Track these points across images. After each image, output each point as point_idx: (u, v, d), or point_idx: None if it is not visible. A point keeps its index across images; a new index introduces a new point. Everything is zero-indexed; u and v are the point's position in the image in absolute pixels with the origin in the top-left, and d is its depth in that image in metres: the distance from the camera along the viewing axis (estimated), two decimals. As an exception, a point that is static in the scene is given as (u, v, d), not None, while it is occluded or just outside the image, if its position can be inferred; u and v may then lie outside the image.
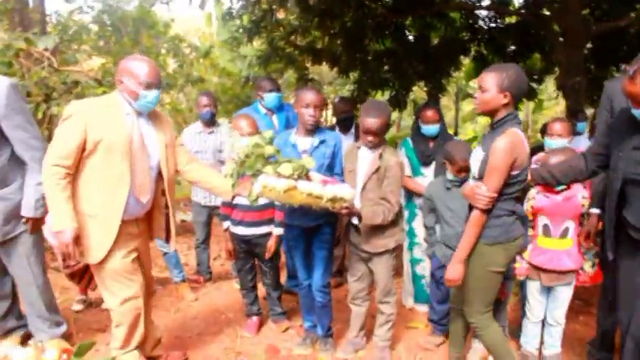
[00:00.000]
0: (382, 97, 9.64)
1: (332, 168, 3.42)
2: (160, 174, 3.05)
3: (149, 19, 13.92)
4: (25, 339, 3.53)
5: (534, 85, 9.65)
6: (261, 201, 3.22)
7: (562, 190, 3.19)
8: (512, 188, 2.70)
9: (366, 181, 3.27)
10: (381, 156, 3.24)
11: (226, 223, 3.85)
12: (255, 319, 4.03)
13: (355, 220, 3.29)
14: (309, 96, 3.32)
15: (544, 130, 4.23)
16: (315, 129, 3.39)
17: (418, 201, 4.18)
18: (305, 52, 8.88)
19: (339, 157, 3.47)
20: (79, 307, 4.37)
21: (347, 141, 4.19)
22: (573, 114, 5.77)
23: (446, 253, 3.43)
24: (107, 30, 13.58)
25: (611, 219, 2.64)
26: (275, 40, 8.81)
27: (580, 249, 3.28)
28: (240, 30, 9.19)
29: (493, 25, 8.99)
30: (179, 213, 7.87)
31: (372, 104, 3.34)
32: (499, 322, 3.36)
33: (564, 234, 3.23)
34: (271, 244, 3.76)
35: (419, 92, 12.73)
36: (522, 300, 3.58)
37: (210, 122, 4.76)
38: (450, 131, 5.45)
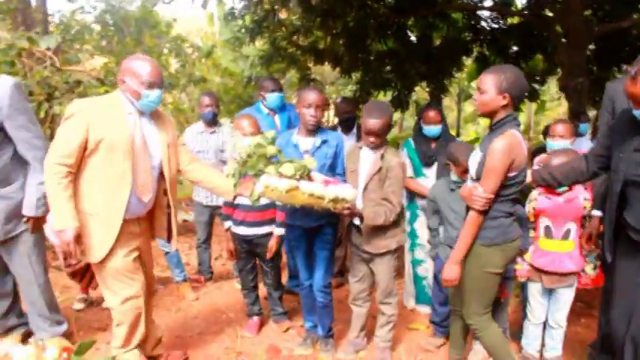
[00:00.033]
0: (384, 97, 9.64)
1: (334, 168, 3.42)
2: (161, 173, 3.05)
3: (151, 19, 13.94)
4: (26, 337, 3.54)
5: (536, 86, 9.63)
6: (263, 201, 3.22)
7: (564, 192, 3.19)
8: (510, 190, 2.70)
9: (367, 181, 3.27)
10: (382, 156, 3.24)
11: (228, 223, 3.85)
12: (256, 319, 4.03)
13: (357, 221, 3.29)
14: (311, 96, 3.32)
15: (546, 132, 4.23)
16: (316, 129, 3.39)
17: (420, 202, 4.18)
18: (307, 52, 8.87)
19: (341, 157, 3.47)
20: (80, 305, 4.37)
21: (349, 141, 4.18)
22: (575, 115, 5.75)
23: (449, 255, 3.43)
24: (109, 30, 13.61)
25: (610, 220, 2.64)
26: (277, 40, 8.81)
27: (582, 251, 3.28)
28: (243, 30, 9.18)
29: (495, 25, 8.97)
30: (181, 213, 7.88)
31: (374, 105, 3.34)
32: (500, 324, 3.36)
33: (566, 236, 3.23)
34: (272, 244, 3.75)
35: (421, 93, 12.72)
36: (523, 302, 3.58)
37: (212, 122, 4.76)
38: (452, 132, 5.45)
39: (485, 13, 8.97)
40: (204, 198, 4.83)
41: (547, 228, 3.26)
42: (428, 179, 4.12)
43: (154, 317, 3.44)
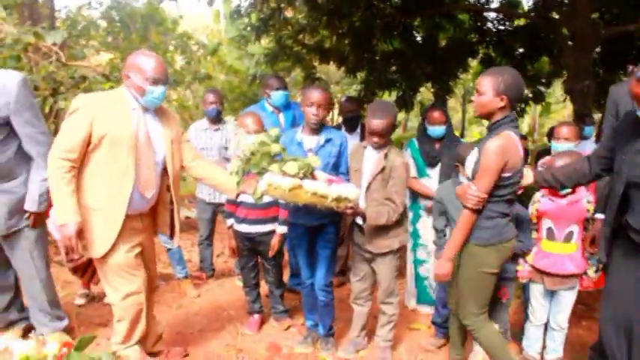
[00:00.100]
0: (389, 97, 9.63)
1: (337, 167, 3.42)
2: (165, 170, 3.05)
3: (157, 16, 13.96)
4: (27, 332, 3.54)
5: (542, 88, 9.63)
6: (266, 199, 3.22)
7: (567, 194, 3.18)
8: (505, 190, 2.71)
9: (370, 181, 3.27)
10: (386, 156, 3.23)
11: (230, 221, 3.85)
12: (256, 316, 4.03)
13: (359, 220, 3.29)
14: (314, 95, 3.32)
15: (551, 134, 4.22)
16: (319, 128, 3.38)
17: (423, 202, 4.17)
18: (313, 51, 8.88)
19: (345, 156, 3.46)
20: (81, 301, 4.38)
21: (352, 140, 4.18)
22: (580, 118, 5.75)
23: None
24: (115, 26, 13.63)
25: (610, 221, 2.63)
26: (283, 39, 8.82)
27: (584, 254, 3.27)
28: (248, 28, 9.22)
29: (502, 27, 8.98)
30: (183, 209, 7.89)
31: (378, 105, 3.33)
32: (501, 325, 3.36)
33: (568, 238, 3.22)
34: (275, 242, 3.75)
35: (426, 93, 12.72)
36: (525, 303, 3.58)
37: (216, 119, 4.77)
38: (456, 133, 5.44)
39: (491, 15, 8.98)
40: (207, 195, 4.84)
41: (549, 230, 3.25)
42: (431, 180, 4.12)
43: (155, 313, 3.44)
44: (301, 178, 2.85)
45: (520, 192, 3.19)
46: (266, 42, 10.34)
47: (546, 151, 4.68)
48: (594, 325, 3.74)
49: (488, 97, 2.68)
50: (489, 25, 9.00)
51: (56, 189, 2.72)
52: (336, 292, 3.78)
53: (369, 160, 3.32)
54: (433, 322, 3.82)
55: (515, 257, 3.29)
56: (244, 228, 3.76)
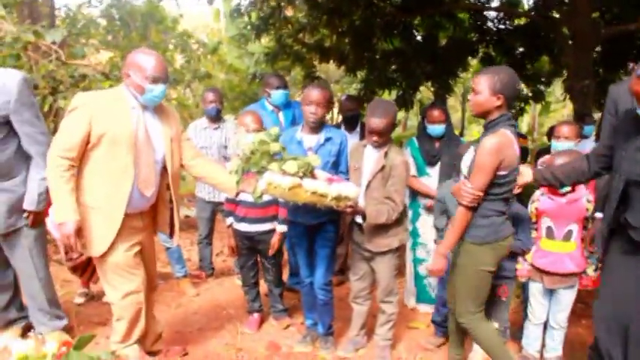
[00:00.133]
0: (389, 96, 9.63)
1: (337, 166, 3.42)
2: (165, 168, 3.04)
3: (157, 15, 13.92)
4: (26, 331, 3.54)
5: (542, 87, 9.63)
6: (265, 198, 3.21)
7: (566, 193, 3.18)
8: (501, 189, 2.73)
9: (370, 179, 3.26)
10: (386, 155, 3.23)
11: (229, 220, 3.85)
12: (256, 315, 4.03)
13: (359, 219, 3.28)
14: (313, 93, 3.32)
15: (551, 133, 4.21)
16: (319, 126, 3.38)
17: (422, 201, 4.18)
18: (313, 50, 8.87)
19: (345, 155, 3.46)
20: (80, 300, 4.38)
21: (352, 139, 4.18)
22: (580, 117, 5.75)
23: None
24: (115, 24, 13.60)
25: (608, 219, 2.62)
26: (283, 38, 8.81)
27: (583, 252, 3.27)
28: (248, 27, 9.19)
29: (502, 26, 8.97)
30: (183, 208, 7.88)
31: (377, 104, 3.33)
32: (501, 324, 3.36)
33: (568, 237, 3.22)
34: (275, 241, 3.75)
35: (426, 92, 12.71)
36: (524, 302, 3.58)
37: (216, 118, 4.76)
38: (456, 132, 5.44)
39: (491, 14, 8.97)
40: (206, 194, 4.84)
41: (549, 229, 3.25)
42: (431, 178, 4.12)
43: (154, 312, 3.43)
44: (301, 177, 2.85)
45: (519, 191, 3.19)
46: (266, 41, 10.33)
47: (546, 150, 4.68)
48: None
49: (484, 97, 2.70)
50: (489, 24, 8.99)
51: (55, 187, 2.71)
52: (335, 291, 3.78)
53: (369, 158, 3.32)
54: (433, 321, 3.82)
55: (514, 256, 3.29)
56: (244, 227, 3.76)
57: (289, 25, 8.74)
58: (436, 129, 4.05)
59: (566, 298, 3.29)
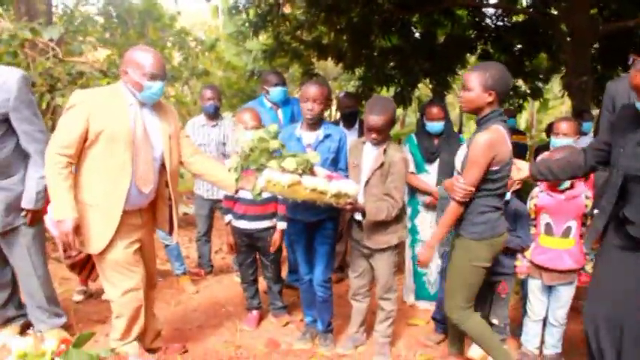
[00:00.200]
0: (387, 93, 9.63)
1: (336, 163, 3.41)
2: (163, 165, 3.03)
3: (155, 12, 13.90)
4: (25, 328, 3.53)
5: (540, 84, 9.63)
6: (264, 195, 3.21)
7: (565, 190, 3.18)
8: (495, 184, 2.75)
9: (369, 176, 3.26)
10: (385, 152, 3.22)
11: (228, 217, 3.84)
12: (255, 312, 4.03)
13: (358, 216, 3.28)
14: (310, 90, 3.31)
15: (550, 130, 4.21)
16: (316, 123, 3.38)
17: (421, 198, 4.17)
18: (311, 47, 8.88)
19: (344, 152, 3.46)
20: (79, 297, 4.38)
21: (350, 136, 4.17)
22: (579, 114, 5.75)
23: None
24: (113, 22, 13.56)
25: (605, 213, 2.62)
26: (281, 35, 8.81)
27: (582, 249, 3.27)
28: (246, 24, 9.19)
29: (500, 23, 8.98)
30: (181, 206, 7.88)
31: (376, 101, 3.32)
32: (500, 320, 3.36)
33: (566, 233, 3.22)
34: (276, 238, 3.75)
35: (424, 89, 12.71)
36: (523, 299, 3.58)
37: (214, 115, 4.76)
38: (455, 129, 5.44)
39: (490, 11, 8.97)
40: (205, 191, 4.83)
41: (548, 225, 3.25)
42: (430, 175, 4.12)
43: (154, 310, 3.43)
44: (300, 175, 2.84)
45: (519, 186, 3.19)
46: (264, 38, 10.32)
47: (545, 147, 4.68)
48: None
49: (476, 93, 2.72)
50: (488, 21, 9.00)
51: (53, 185, 2.71)
52: (334, 288, 3.78)
53: (368, 155, 3.31)
54: (433, 318, 3.82)
55: (513, 253, 3.29)
56: (243, 224, 3.75)
57: (287, 22, 8.74)
58: (435, 126, 4.05)
59: (565, 294, 3.29)
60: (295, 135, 3.40)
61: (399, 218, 3.31)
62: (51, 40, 5.58)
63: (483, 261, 2.85)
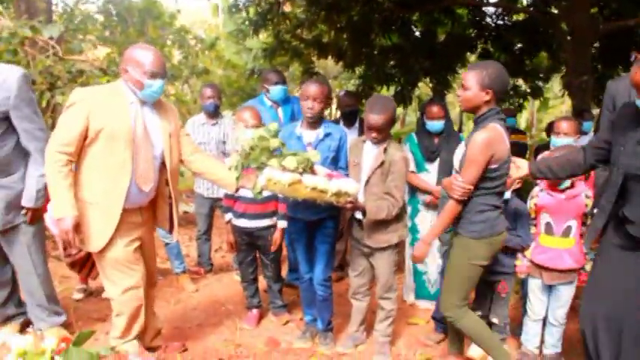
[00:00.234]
0: (387, 92, 9.63)
1: (336, 161, 3.41)
2: (163, 163, 3.03)
3: (155, 10, 13.91)
4: (25, 326, 3.53)
5: (540, 83, 9.63)
6: (265, 193, 3.21)
7: (566, 189, 3.18)
8: (494, 183, 2.76)
9: (370, 175, 3.26)
10: (385, 150, 3.22)
11: (228, 216, 3.84)
12: (255, 311, 4.03)
13: (359, 215, 3.28)
14: (310, 88, 3.31)
15: (550, 129, 4.21)
16: (317, 121, 3.37)
17: (421, 197, 4.17)
18: (311, 45, 8.87)
19: (344, 150, 3.45)
20: (79, 296, 4.38)
21: (351, 135, 4.16)
22: (579, 113, 5.75)
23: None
24: (113, 20, 13.57)
25: (605, 212, 2.61)
26: (281, 33, 8.80)
27: (582, 248, 3.27)
28: (246, 22, 9.17)
29: (500, 22, 8.96)
30: (181, 204, 7.87)
31: (376, 100, 3.31)
32: (500, 320, 3.36)
33: (567, 233, 3.22)
34: (277, 236, 3.75)
35: (424, 88, 12.70)
36: (523, 298, 3.58)
37: (214, 114, 4.75)
38: (455, 128, 5.43)
39: (490, 10, 8.96)
40: (205, 190, 4.83)
41: (548, 224, 3.25)
42: (430, 174, 4.12)
43: (154, 308, 3.43)
44: (301, 173, 2.84)
45: (519, 185, 3.19)
46: (264, 36, 10.31)
47: (545, 147, 4.68)
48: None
49: (473, 92, 2.74)
50: (488, 19, 8.99)
51: (53, 183, 2.71)
52: (334, 287, 3.78)
53: (369, 154, 3.31)
54: (433, 317, 3.82)
55: (513, 252, 3.29)
56: (243, 223, 3.75)
57: (287, 20, 8.73)
58: (435, 125, 4.05)
59: (565, 294, 3.29)
60: (295, 133, 3.40)
61: (399, 217, 3.31)
62: (51, 38, 5.57)
63: (482, 259, 2.87)
